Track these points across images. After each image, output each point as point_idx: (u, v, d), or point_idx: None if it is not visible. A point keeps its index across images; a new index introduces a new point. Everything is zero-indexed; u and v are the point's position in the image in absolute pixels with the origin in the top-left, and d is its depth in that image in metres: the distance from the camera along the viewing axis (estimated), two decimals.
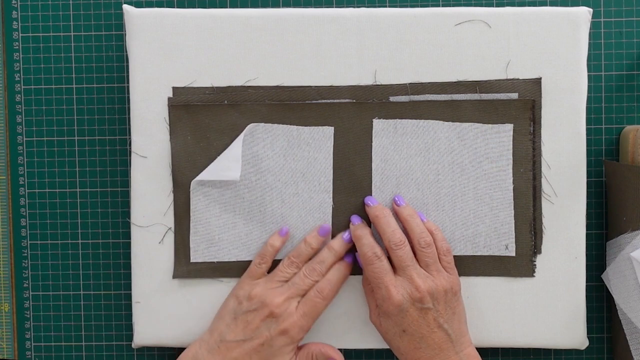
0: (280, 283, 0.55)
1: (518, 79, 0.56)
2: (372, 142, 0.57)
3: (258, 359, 0.53)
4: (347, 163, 0.57)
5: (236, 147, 0.57)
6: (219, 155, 0.57)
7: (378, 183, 0.57)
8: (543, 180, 0.57)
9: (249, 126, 0.57)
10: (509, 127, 0.57)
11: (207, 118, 0.57)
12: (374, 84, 0.57)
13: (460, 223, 0.57)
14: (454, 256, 0.57)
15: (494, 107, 0.56)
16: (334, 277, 0.55)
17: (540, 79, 0.56)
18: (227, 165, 0.56)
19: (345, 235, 0.56)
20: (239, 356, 0.53)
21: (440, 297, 0.52)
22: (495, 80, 0.56)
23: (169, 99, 0.57)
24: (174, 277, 0.58)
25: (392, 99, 0.57)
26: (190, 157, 0.57)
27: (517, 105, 0.56)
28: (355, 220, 0.56)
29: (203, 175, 0.57)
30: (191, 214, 0.58)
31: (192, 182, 0.57)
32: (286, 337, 0.53)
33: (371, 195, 0.57)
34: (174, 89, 0.57)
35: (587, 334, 0.59)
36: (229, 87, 0.57)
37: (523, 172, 0.57)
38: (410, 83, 0.57)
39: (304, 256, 0.56)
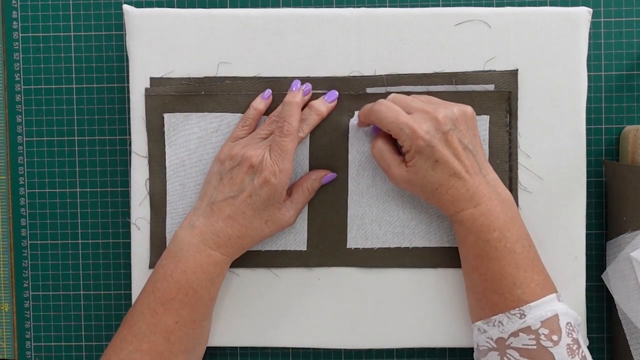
0: (260, 140, 0.55)
1: (495, 71, 0.56)
2: (349, 133, 0.57)
3: (251, 211, 0.53)
4: (324, 154, 0.57)
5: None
6: (196, 147, 0.57)
7: (354, 175, 0.57)
8: (524, 171, 0.57)
9: (226, 117, 0.57)
10: (485, 119, 0.57)
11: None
12: (350, 75, 0.57)
13: (437, 215, 0.57)
14: (433, 247, 0.57)
15: (470, 98, 0.56)
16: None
17: (517, 70, 0.56)
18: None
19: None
20: (232, 213, 0.53)
21: (459, 119, 0.52)
22: (472, 71, 0.56)
23: (146, 89, 0.57)
24: (150, 267, 0.58)
25: (368, 90, 0.57)
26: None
27: (493, 97, 0.56)
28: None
29: None
30: (167, 205, 0.58)
31: (168, 172, 0.57)
32: (269, 186, 0.52)
33: (347, 188, 0.57)
34: (152, 79, 0.57)
35: (587, 334, 0.59)
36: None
37: (499, 163, 0.57)
38: (387, 74, 0.57)
39: None
